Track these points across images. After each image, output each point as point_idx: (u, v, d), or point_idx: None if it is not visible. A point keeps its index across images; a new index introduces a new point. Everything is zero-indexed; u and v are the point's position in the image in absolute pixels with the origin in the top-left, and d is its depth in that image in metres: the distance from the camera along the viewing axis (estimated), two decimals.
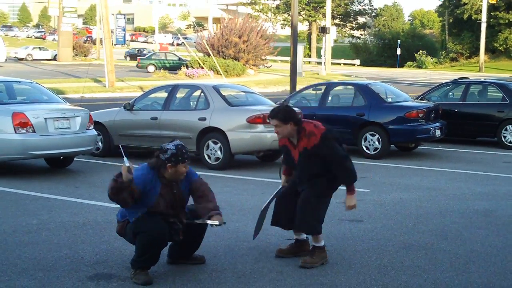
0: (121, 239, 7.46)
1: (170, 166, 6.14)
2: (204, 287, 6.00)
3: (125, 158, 5.93)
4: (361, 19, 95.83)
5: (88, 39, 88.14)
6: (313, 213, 6.62)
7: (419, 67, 78.90)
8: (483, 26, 69.00)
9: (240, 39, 48.13)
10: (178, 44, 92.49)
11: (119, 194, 5.91)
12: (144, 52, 69.12)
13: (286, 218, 6.88)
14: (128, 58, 70.55)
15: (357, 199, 9.89)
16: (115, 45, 70.79)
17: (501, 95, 17.32)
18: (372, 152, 14.64)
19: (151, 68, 52.94)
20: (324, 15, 71.90)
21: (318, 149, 6.56)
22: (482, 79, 21.16)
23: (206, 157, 12.99)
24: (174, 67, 50.95)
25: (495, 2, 69.83)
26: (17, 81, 13.57)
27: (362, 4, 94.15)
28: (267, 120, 6.76)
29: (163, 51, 63.25)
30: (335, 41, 75.54)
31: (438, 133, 15.07)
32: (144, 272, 6.07)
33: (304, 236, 7.13)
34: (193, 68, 43.89)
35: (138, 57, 58.09)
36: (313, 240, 6.69)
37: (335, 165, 6.59)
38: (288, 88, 31.67)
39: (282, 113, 6.69)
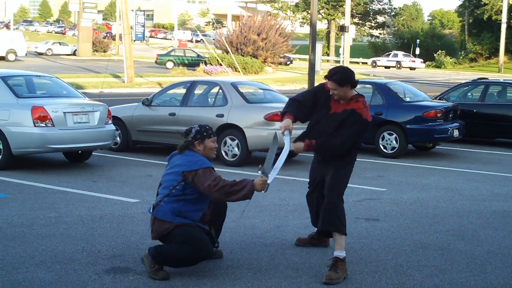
0: (138, 233, 7.52)
1: (198, 143, 6.26)
2: (220, 283, 6.01)
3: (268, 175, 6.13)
4: (380, 18, 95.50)
5: (108, 34, 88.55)
6: (341, 212, 6.48)
7: (438, 67, 78.56)
8: (503, 27, 68.58)
9: (259, 36, 48.13)
10: (197, 41, 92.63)
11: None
12: None
13: None
14: None
15: (374, 198, 9.97)
16: (134, 41, 71.01)
17: None
18: (390, 151, 14.61)
19: (169, 65, 53.11)
20: (343, 13, 71.73)
21: (350, 114, 6.35)
22: (501, 80, 21.02)
23: (223, 154, 13.01)
24: (192, 64, 51.09)
25: None
26: (37, 75, 13.66)
27: (381, 3, 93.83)
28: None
29: (182, 48, 63.41)
30: (354, 40, 75.40)
31: (456, 133, 15.00)
32: (162, 268, 6.09)
33: None
34: (212, 65, 43.96)
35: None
36: (337, 248, 6.39)
37: (338, 134, 6.36)
38: (306, 86, 31.64)
39: (338, 75, 6.36)
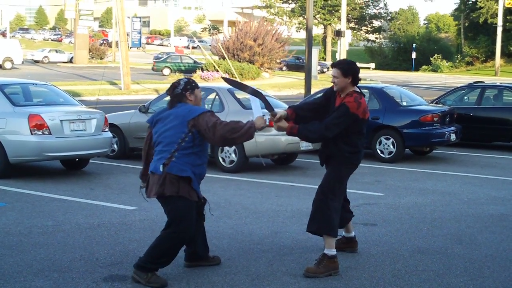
0: (136, 241, 7.51)
1: (189, 93, 6.23)
2: None
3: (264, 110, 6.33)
4: (376, 23, 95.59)
5: (104, 41, 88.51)
6: (326, 213, 6.54)
7: (434, 71, 78.63)
8: (499, 30, 68.71)
9: (255, 42, 48.19)
10: (193, 47, 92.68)
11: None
12: None
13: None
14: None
15: (372, 203, 9.97)
16: (130, 48, 71.00)
17: None
18: (387, 156, 14.62)
19: (166, 71, 53.13)
20: (339, 18, 71.82)
21: (339, 106, 6.46)
22: (498, 83, 21.05)
23: (221, 160, 13.01)
24: (189, 70, 51.13)
25: (511, 6, 69.44)
26: (33, 83, 13.67)
27: (377, 7, 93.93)
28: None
29: (179, 54, 63.48)
30: (350, 44, 75.32)
31: (453, 137, 15.01)
32: (156, 275, 6.08)
33: (353, 233, 7.25)
34: (208, 71, 43.99)
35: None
36: (325, 246, 6.56)
37: (323, 120, 6.48)
38: (303, 91, 31.67)
39: (345, 65, 6.58)
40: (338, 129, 6.43)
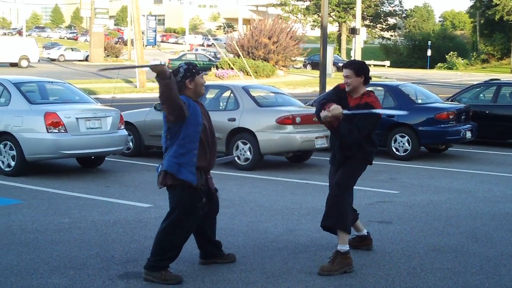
0: (151, 238, 7.50)
1: (189, 81, 6.14)
2: (233, 287, 6.02)
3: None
4: (391, 20, 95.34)
5: (119, 40, 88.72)
6: (342, 208, 6.56)
7: (449, 68, 78.28)
8: None
9: (270, 40, 48.14)
10: (208, 45, 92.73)
11: (173, 97, 5.80)
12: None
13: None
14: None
15: (387, 201, 9.96)
16: (146, 46, 71.12)
17: None
18: (402, 154, 14.57)
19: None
20: (354, 16, 71.65)
21: (364, 107, 6.49)
22: None
23: (236, 158, 13.02)
24: (204, 68, 51.18)
25: None
26: (49, 81, 13.74)
27: (392, 5, 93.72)
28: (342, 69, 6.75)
29: (193, 52, 63.51)
30: (365, 42, 75.06)
31: (468, 135, 14.95)
32: (169, 271, 6.09)
33: (365, 231, 7.27)
34: (223, 69, 44.02)
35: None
36: (339, 242, 6.57)
37: (352, 123, 6.45)
38: (317, 89, 31.62)
39: (356, 65, 6.68)
40: (368, 130, 6.57)
